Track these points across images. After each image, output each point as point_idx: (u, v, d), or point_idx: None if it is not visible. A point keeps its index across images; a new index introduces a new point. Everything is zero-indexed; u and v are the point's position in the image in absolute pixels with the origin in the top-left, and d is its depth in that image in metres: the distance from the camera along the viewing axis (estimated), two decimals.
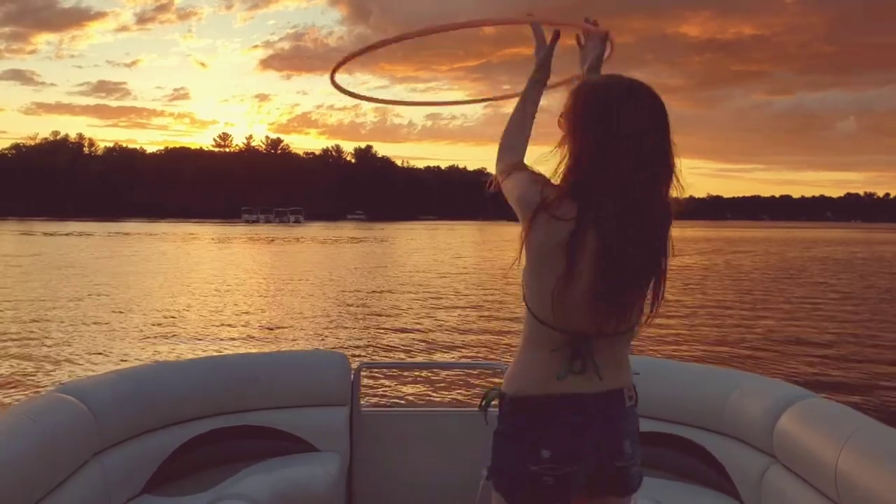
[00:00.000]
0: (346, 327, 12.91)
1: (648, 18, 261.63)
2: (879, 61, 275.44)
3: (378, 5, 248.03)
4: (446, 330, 12.64)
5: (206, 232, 64.46)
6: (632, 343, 1.67)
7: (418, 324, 13.30)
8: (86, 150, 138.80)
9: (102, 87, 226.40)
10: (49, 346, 10.57)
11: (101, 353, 10.15)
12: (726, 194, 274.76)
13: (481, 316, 14.47)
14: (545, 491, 1.56)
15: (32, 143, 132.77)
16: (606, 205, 1.49)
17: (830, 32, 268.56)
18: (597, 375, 1.57)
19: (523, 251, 1.56)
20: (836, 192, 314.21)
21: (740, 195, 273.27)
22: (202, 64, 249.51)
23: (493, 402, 1.68)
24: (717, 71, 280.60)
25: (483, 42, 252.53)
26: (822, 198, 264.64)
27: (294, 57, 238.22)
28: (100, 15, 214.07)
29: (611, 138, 1.50)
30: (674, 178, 1.62)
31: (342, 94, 1.91)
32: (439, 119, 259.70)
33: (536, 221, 1.52)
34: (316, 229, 76.03)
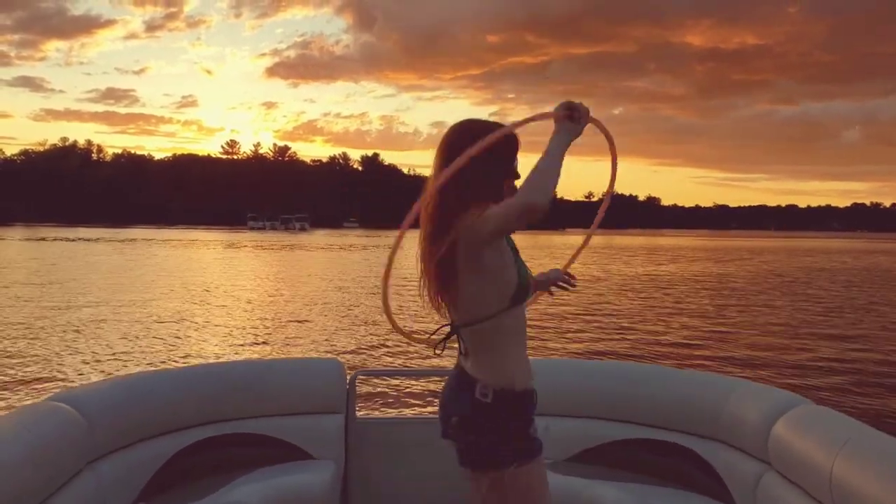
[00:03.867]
0: (342, 334, 12.89)
1: (651, 27, 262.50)
2: (882, 70, 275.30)
3: (382, 13, 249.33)
4: None
5: (210, 239, 64.59)
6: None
7: (414, 331, 13.26)
8: (94, 156, 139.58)
9: (111, 94, 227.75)
10: (43, 354, 10.55)
11: (94, 361, 10.13)
12: (732, 203, 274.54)
13: None
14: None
15: (41, 149, 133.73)
16: None
17: (831, 41, 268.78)
18: None
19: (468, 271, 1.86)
20: (841, 202, 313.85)
21: (746, 204, 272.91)
22: (209, 72, 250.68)
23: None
24: (720, 80, 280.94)
25: (486, 51, 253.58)
26: (828, 207, 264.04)
27: (300, 65, 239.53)
28: (109, 22, 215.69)
29: None
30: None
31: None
32: (444, 127, 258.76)
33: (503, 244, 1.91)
34: (320, 237, 76.12)
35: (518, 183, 1.92)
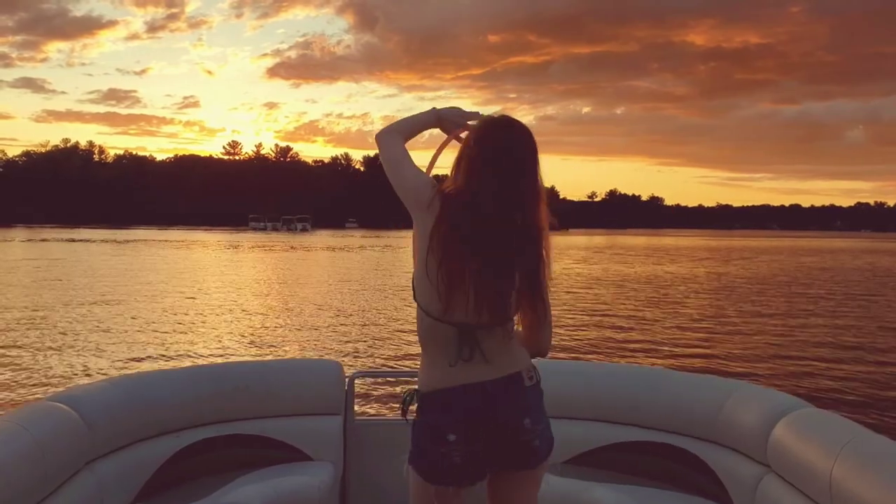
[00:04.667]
0: (341, 335, 12.89)
1: (653, 27, 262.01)
2: (885, 70, 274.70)
3: (384, 14, 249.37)
4: None
5: (212, 240, 64.64)
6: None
7: (414, 331, 13.27)
8: (96, 157, 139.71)
9: (113, 95, 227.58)
10: (42, 354, 10.58)
11: (93, 361, 10.14)
12: (735, 203, 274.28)
13: None
14: (454, 469, 1.83)
15: (43, 150, 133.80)
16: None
17: (834, 41, 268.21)
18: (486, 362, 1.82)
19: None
20: (845, 202, 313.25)
21: (749, 204, 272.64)
22: (210, 72, 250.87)
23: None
24: (723, 79, 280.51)
25: (487, 51, 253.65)
26: (832, 207, 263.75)
27: (302, 65, 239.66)
28: (111, 23, 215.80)
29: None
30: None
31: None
32: None
33: None
34: (322, 237, 76.15)
35: None
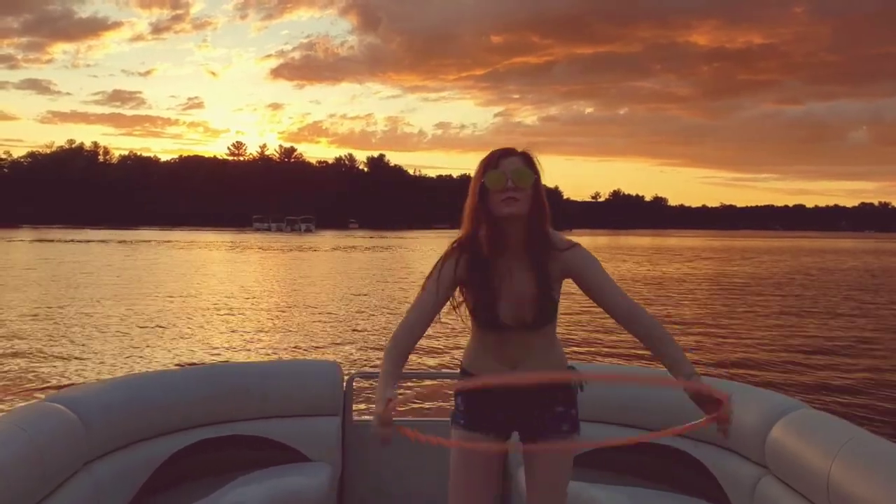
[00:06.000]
0: (339, 336, 12.86)
1: (656, 27, 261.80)
2: (888, 70, 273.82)
3: (387, 14, 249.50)
4: (441, 338, 12.60)
5: (215, 240, 64.70)
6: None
7: None
8: (101, 158, 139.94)
9: (117, 96, 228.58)
10: (39, 355, 10.56)
11: (90, 362, 10.13)
12: (739, 203, 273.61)
13: None
14: None
15: (48, 151, 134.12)
16: None
17: (836, 41, 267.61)
18: None
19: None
20: (849, 202, 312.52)
21: (753, 205, 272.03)
22: (214, 73, 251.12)
23: None
24: (726, 80, 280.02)
25: (490, 51, 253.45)
26: (836, 207, 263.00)
27: (305, 66, 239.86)
28: (116, 25, 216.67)
29: None
30: None
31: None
32: (449, 128, 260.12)
33: None
34: (326, 238, 76.19)
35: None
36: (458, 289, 2.11)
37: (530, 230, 2.06)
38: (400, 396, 1.98)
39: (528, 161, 2.06)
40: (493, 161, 2.04)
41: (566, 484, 2.20)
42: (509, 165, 2.02)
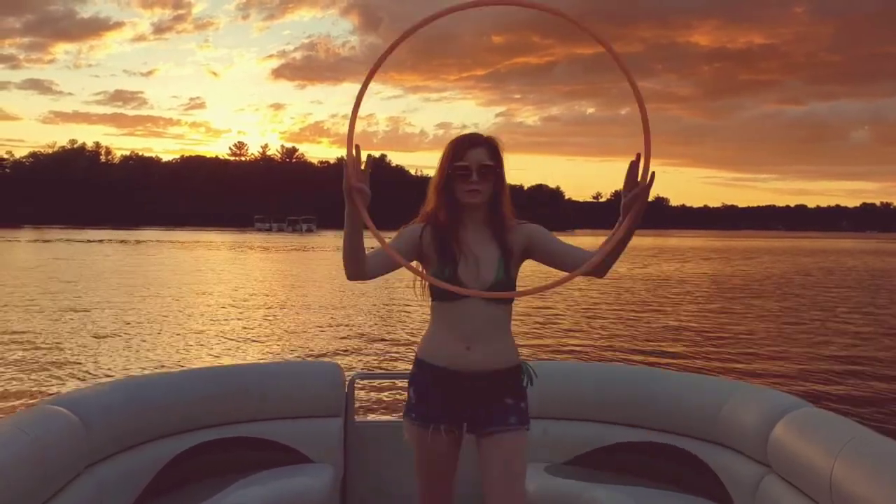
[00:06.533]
0: (341, 337, 12.83)
1: (657, 28, 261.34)
2: (889, 70, 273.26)
3: (388, 14, 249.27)
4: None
5: (217, 240, 64.75)
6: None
7: (413, 334, 13.32)
8: (102, 158, 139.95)
9: (119, 97, 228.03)
10: (41, 357, 10.55)
11: (92, 364, 10.11)
12: (740, 204, 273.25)
13: None
14: None
15: (50, 151, 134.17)
16: None
17: (837, 41, 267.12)
18: None
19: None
20: (851, 202, 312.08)
21: (754, 205, 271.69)
22: (215, 73, 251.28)
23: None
24: (727, 80, 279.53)
25: (491, 51, 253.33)
26: (838, 208, 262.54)
27: (307, 67, 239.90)
28: (118, 25, 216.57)
29: None
30: None
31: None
32: (451, 128, 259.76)
33: None
34: (327, 238, 76.22)
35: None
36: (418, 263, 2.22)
37: (491, 213, 2.17)
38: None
39: (493, 152, 2.13)
40: (460, 152, 2.11)
41: (523, 475, 2.19)
42: (475, 158, 2.10)
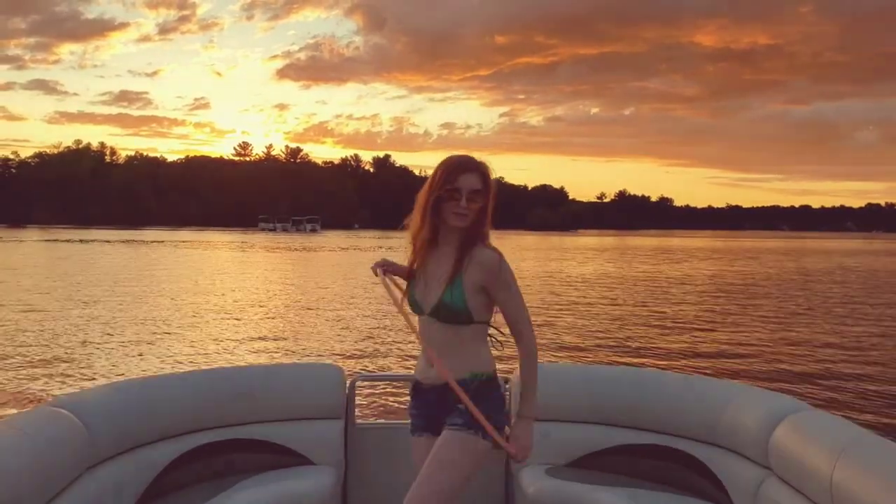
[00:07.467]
0: (342, 339, 12.83)
1: (662, 27, 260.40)
2: (895, 70, 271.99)
3: (392, 15, 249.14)
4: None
5: (221, 240, 64.86)
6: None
7: (413, 335, 13.25)
8: (107, 158, 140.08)
9: (124, 97, 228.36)
10: (42, 358, 10.55)
11: (93, 366, 10.12)
12: (745, 204, 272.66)
13: None
14: None
15: (55, 151, 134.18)
16: None
17: (843, 41, 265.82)
18: None
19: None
20: (856, 203, 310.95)
21: (759, 205, 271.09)
22: (220, 74, 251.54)
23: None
24: (732, 80, 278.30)
25: (495, 52, 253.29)
26: (843, 208, 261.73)
27: (311, 67, 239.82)
28: (123, 25, 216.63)
29: None
30: None
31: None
32: (454, 128, 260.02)
33: None
34: (331, 238, 76.29)
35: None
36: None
37: (466, 235, 2.25)
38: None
39: (484, 179, 2.23)
40: (452, 177, 2.20)
41: (449, 466, 2.18)
42: (466, 183, 2.20)
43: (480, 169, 2.23)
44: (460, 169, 2.21)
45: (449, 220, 2.23)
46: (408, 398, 2.44)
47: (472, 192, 2.20)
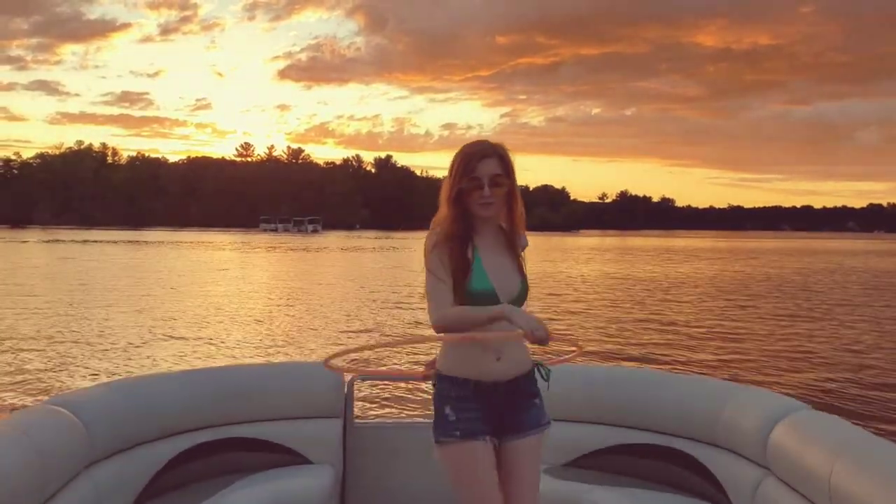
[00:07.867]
0: (341, 338, 12.82)
1: (663, 27, 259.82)
2: None
3: (394, 16, 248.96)
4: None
5: (223, 241, 64.89)
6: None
7: (413, 335, 13.27)
8: (109, 159, 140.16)
9: (126, 98, 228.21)
10: (41, 357, 10.56)
11: (92, 365, 10.11)
12: (746, 204, 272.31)
13: None
14: None
15: (57, 152, 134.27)
16: None
17: (845, 41, 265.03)
18: None
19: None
20: (858, 203, 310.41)
21: (761, 205, 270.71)
22: (221, 74, 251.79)
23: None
24: (733, 80, 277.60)
25: (496, 52, 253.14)
26: (845, 208, 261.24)
27: (313, 68, 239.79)
28: (124, 26, 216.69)
29: None
30: None
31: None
32: (456, 129, 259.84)
33: None
34: (332, 238, 76.32)
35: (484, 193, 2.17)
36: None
37: (504, 221, 2.26)
38: None
39: (503, 162, 2.18)
40: (471, 166, 2.15)
41: (538, 481, 2.25)
42: (486, 170, 2.15)
43: (498, 152, 2.18)
44: (477, 156, 2.16)
45: (475, 210, 2.18)
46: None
47: (493, 178, 2.15)
